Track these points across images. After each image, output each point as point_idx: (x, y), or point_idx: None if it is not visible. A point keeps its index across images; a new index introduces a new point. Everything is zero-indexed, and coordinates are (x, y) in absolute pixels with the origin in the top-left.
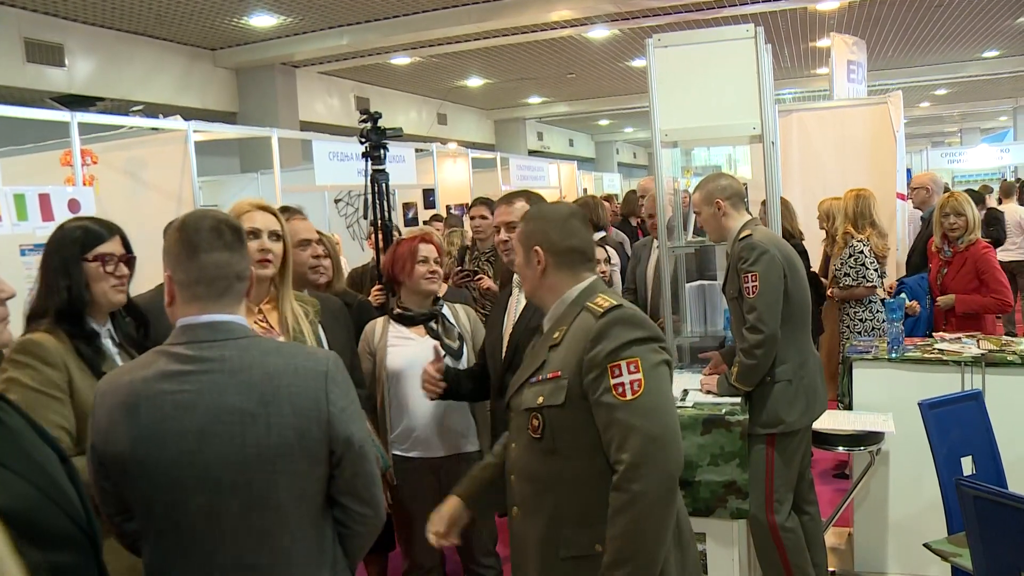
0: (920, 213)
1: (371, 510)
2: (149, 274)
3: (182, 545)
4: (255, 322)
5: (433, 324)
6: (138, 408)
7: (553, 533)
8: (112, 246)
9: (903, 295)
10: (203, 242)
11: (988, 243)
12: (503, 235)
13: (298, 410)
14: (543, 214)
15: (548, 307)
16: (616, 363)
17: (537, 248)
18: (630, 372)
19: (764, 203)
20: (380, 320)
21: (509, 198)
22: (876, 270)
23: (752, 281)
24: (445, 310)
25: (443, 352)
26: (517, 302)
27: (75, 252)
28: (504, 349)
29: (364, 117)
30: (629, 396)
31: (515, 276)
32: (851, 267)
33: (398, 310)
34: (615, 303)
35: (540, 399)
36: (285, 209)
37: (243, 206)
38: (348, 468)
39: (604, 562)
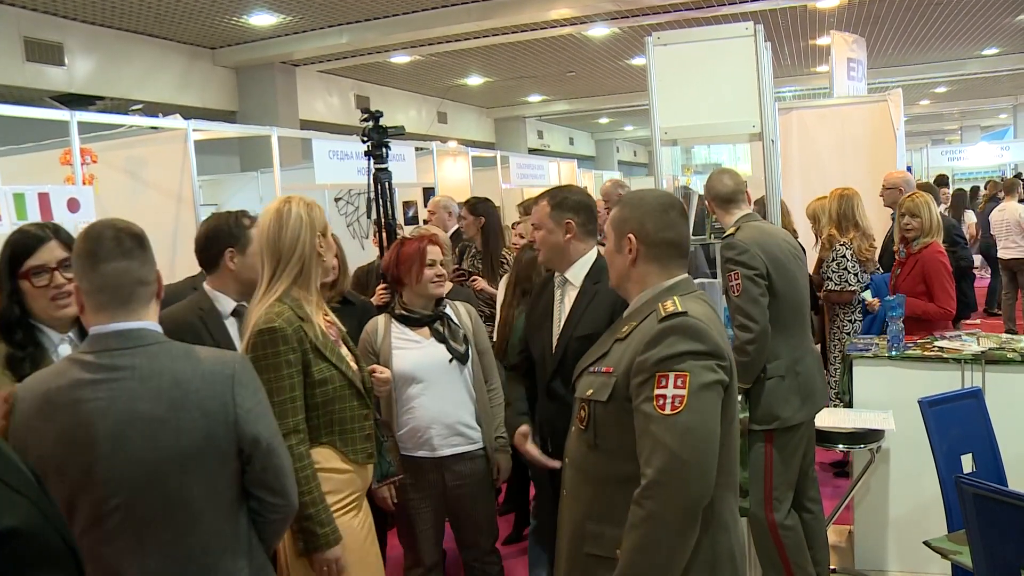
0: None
1: (283, 500)
2: None
3: (104, 540)
4: (328, 323)
5: (439, 326)
6: (54, 415)
7: (582, 526)
8: (45, 255)
9: (901, 294)
10: (102, 251)
11: (943, 248)
12: (537, 233)
13: (206, 413)
14: (642, 201)
15: (632, 298)
16: (664, 373)
17: (631, 236)
18: (676, 386)
19: (758, 201)
20: (381, 319)
21: (537, 199)
22: (857, 274)
23: (735, 280)
24: (448, 310)
25: (451, 357)
26: (561, 305)
27: (6, 270)
28: (553, 351)
29: (365, 116)
30: (668, 411)
31: (555, 275)
32: (834, 271)
33: (401, 310)
34: (681, 309)
35: (590, 391)
36: (244, 214)
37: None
38: (258, 464)
39: (616, 570)
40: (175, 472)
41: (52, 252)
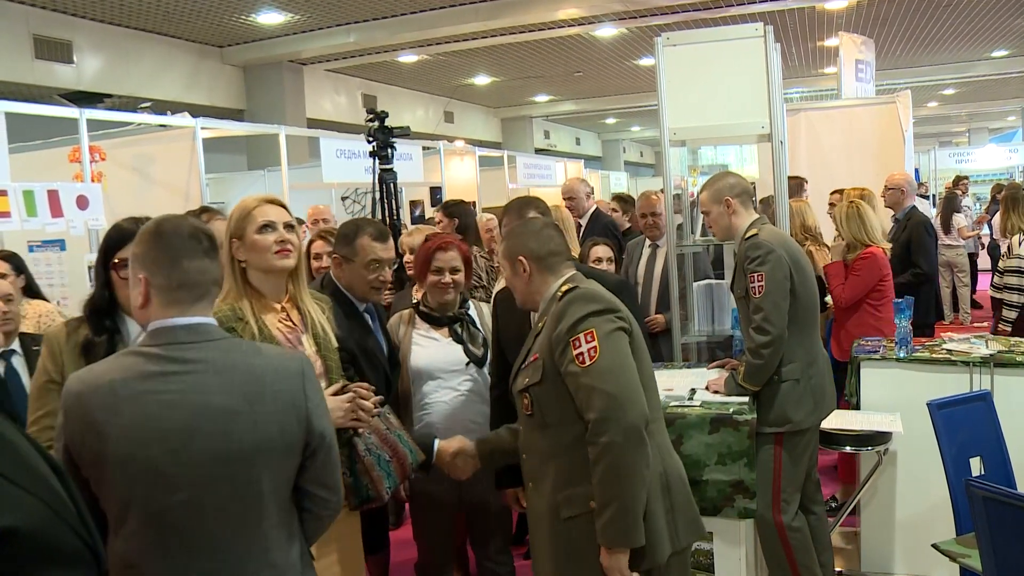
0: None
1: (336, 496)
2: None
3: (161, 536)
4: (279, 320)
5: (458, 328)
6: (120, 408)
7: (554, 498)
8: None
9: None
10: (185, 249)
11: (881, 249)
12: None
13: (281, 406)
14: (520, 229)
15: (538, 308)
16: (575, 336)
17: (522, 258)
18: (587, 342)
19: (764, 200)
20: (406, 313)
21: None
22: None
23: (758, 281)
24: (472, 311)
25: (467, 360)
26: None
27: (104, 255)
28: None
29: (371, 116)
30: (588, 362)
31: None
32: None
33: (424, 307)
34: (572, 285)
35: (526, 380)
36: (205, 209)
37: (251, 201)
38: (320, 458)
39: (595, 510)
40: (246, 465)
41: None
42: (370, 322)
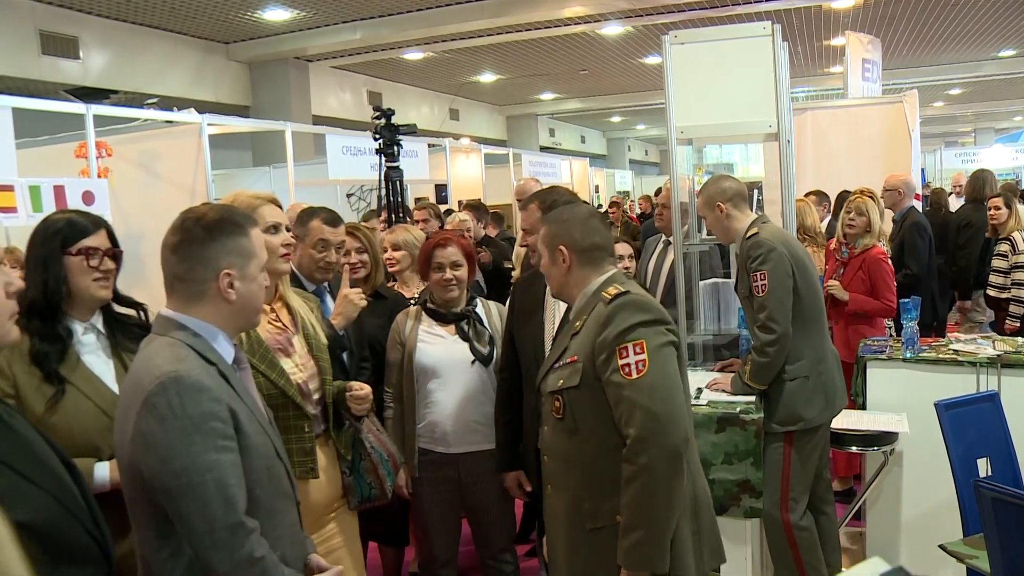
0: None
1: None
2: (158, 266)
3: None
4: (268, 322)
5: (464, 325)
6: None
7: (577, 507)
8: (97, 240)
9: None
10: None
11: (884, 251)
12: (529, 238)
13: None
14: (566, 216)
15: (574, 301)
16: (623, 345)
17: (562, 247)
18: (636, 353)
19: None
20: (413, 310)
21: (525, 204)
22: None
23: (761, 280)
24: (479, 308)
25: (473, 359)
26: (556, 304)
27: (56, 246)
28: (548, 350)
29: (377, 114)
30: (634, 375)
31: None
32: None
33: (431, 304)
34: (623, 290)
35: (560, 382)
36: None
37: (252, 200)
38: None
39: (620, 527)
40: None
41: (102, 239)
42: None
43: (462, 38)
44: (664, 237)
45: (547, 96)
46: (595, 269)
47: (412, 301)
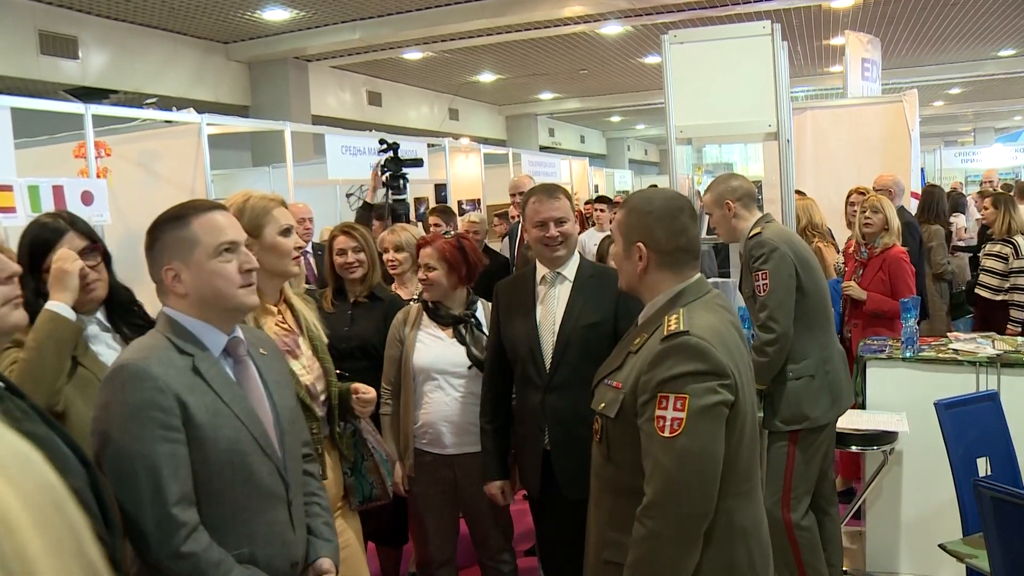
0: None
1: None
2: None
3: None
4: (276, 324)
5: (462, 329)
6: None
7: (604, 533)
8: (69, 244)
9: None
10: None
11: (905, 250)
12: (552, 231)
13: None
14: (651, 206)
15: (646, 301)
16: (665, 395)
17: (640, 244)
18: (675, 408)
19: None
20: (413, 308)
21: (550, 191)
22: None
23: (763, 279)
24: (480, 312)
25: (470, 364)
26: (550, 296)
27: (27, 265)
28: (554, 343)
29: (384, 147)
30: (667, 433)
31: (539, 267)
32: None
33: (431, 304)
34: (683, 328)
35: (603, 404)
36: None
37: (266, 202)
38: None
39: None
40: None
41: (72, 243)
42: None
43: (462, 38)
44: None
45: (546, 96)
46: (675, 274)
47: (412, 301)
